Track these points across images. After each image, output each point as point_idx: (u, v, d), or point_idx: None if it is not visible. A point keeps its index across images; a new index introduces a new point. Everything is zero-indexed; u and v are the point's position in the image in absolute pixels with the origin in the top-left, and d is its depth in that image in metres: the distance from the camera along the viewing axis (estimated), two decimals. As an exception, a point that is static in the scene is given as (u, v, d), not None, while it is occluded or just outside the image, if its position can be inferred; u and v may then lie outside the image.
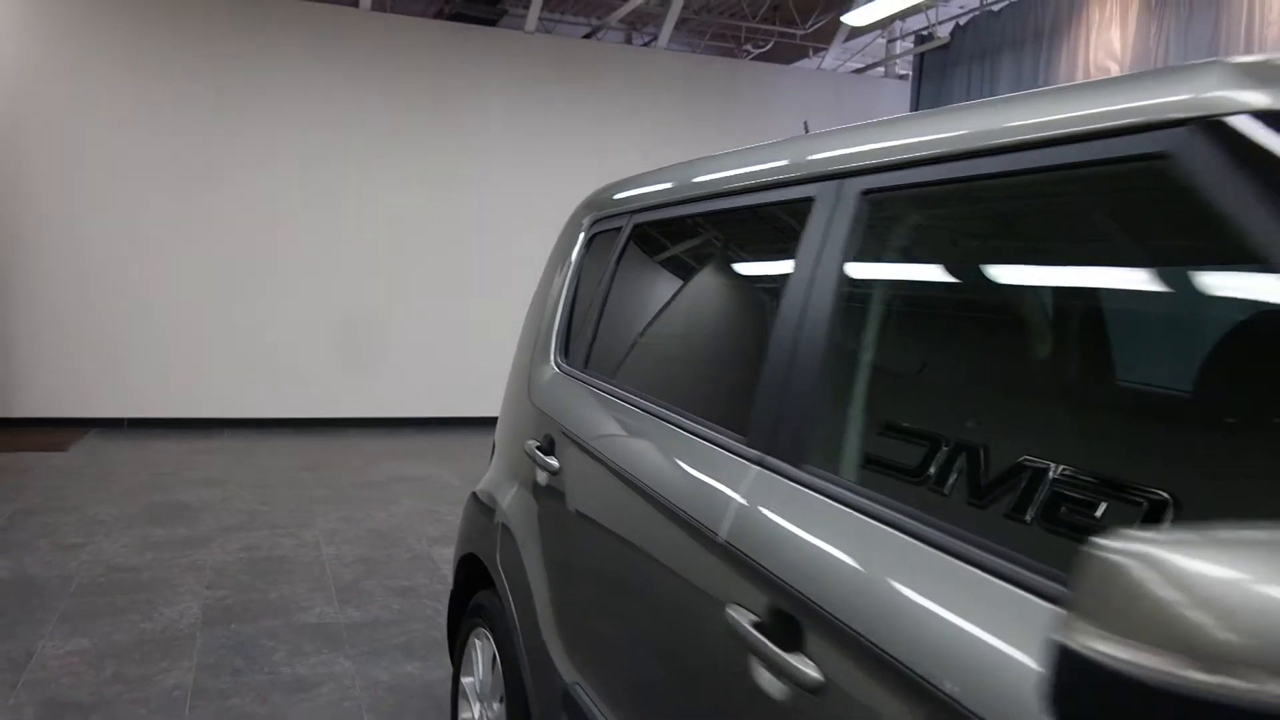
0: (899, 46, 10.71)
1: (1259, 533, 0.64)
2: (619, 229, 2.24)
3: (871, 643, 1.06)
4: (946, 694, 0.95)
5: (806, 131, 1.84)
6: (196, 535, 4.99)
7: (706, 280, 1.93)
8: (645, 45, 10.35)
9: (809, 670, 1.14)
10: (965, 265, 1.32)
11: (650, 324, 2.07)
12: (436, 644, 3.69)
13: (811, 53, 10.84)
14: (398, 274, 8.46)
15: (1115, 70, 7.82)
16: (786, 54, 10.88)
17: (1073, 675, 0.65)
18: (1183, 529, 0.65)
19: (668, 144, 8.54)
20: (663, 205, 2.05)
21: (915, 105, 10.07)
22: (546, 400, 2.28)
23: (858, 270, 1.38)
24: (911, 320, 1.40)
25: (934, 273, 1.40)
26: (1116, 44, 7.76)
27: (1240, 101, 0.93)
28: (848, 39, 10.22)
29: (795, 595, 1.20)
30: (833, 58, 10.38)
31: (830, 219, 1.43)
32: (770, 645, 1.21)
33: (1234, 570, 0.60)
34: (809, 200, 1.50)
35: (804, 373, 1.37)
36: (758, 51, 10.87)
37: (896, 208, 1.38)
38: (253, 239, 8.08)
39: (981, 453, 1.10)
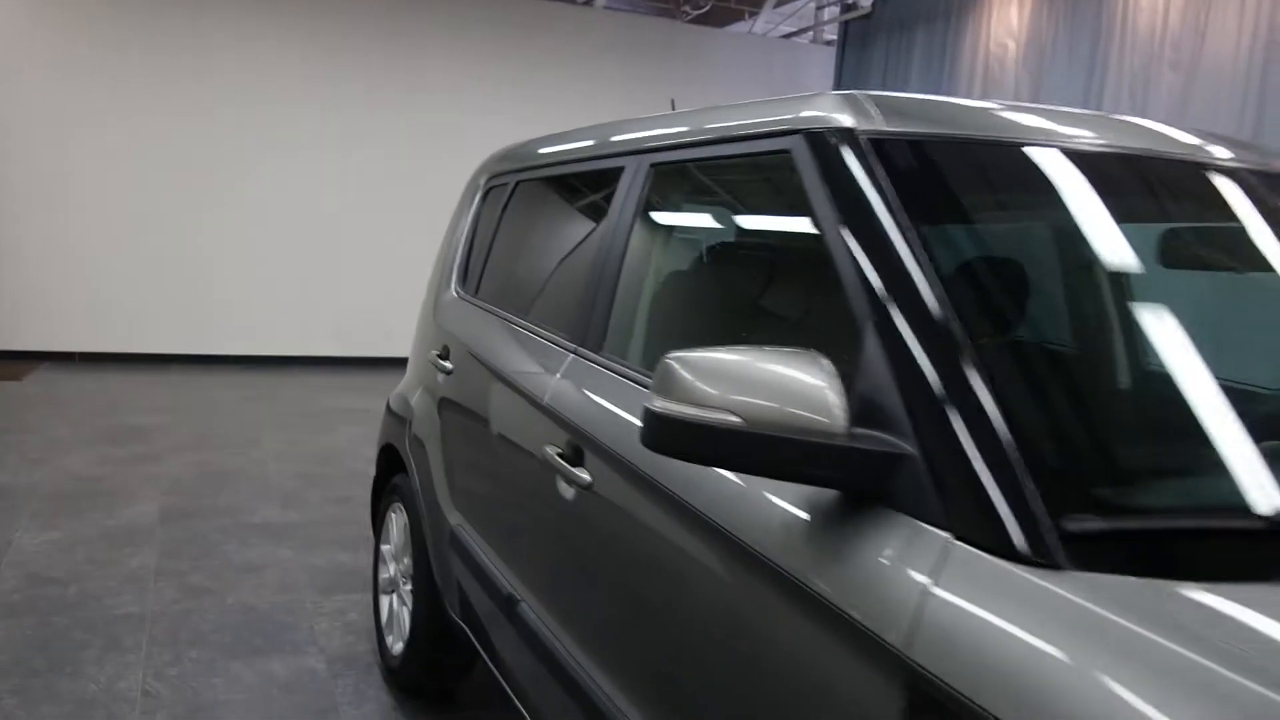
0: (826, 14, 11.26)
1: (733, 351, 1.25)
2: (506, 185, 2.83)
3: (617, 454, 1.68)
4: (646, 473, 1.58)
5: (673, 109, 2.40)
6: (150, 453, 5.51)
7: (557, 226, 2.52)
8: (585, 4, 10.78)
9: (584, 475, 1.77)
10: (702, 215, 1.93)
11: (519, 259, 2.66)
12: (367, 541, 4.26)
13: (747, 16, 11.35)
14: (338, 219, 8.89)
15: (1012, 46, 8.49)
16: (723, 17, 11.37)
17: (652, 423, 1.25)
18: (700, 349, 1.26)
19: (602, 104, 9.03)
20: (534, 168, 2.64)
21: (838, 71, 10.67)
22: (446, 319, 2.87)
23: (645, 220, 1.98)
24: (676, 255, 2.01)
25: (689, 220, 2.01)
26: (1014, 21, 8.42)
27: (830, 120, 1.53)
28: (778, 4, 10.75)
29: (581, 431, 1.82)
30: (764, 22, 10.90)
31: (632, 183, 2.03)
32: (565, 464, 1.83)
33: (712, 361, 1.22)
34: (621, 169, 2.10)
35: (605, 291, 1.97)
36: (696, 13, 11.35)
37: (670, 177, 1.99)
38: (203, 180, 8.46)
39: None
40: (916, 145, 1.48)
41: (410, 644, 2.83)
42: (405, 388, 3.08)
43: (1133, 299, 1.52)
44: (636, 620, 1.65)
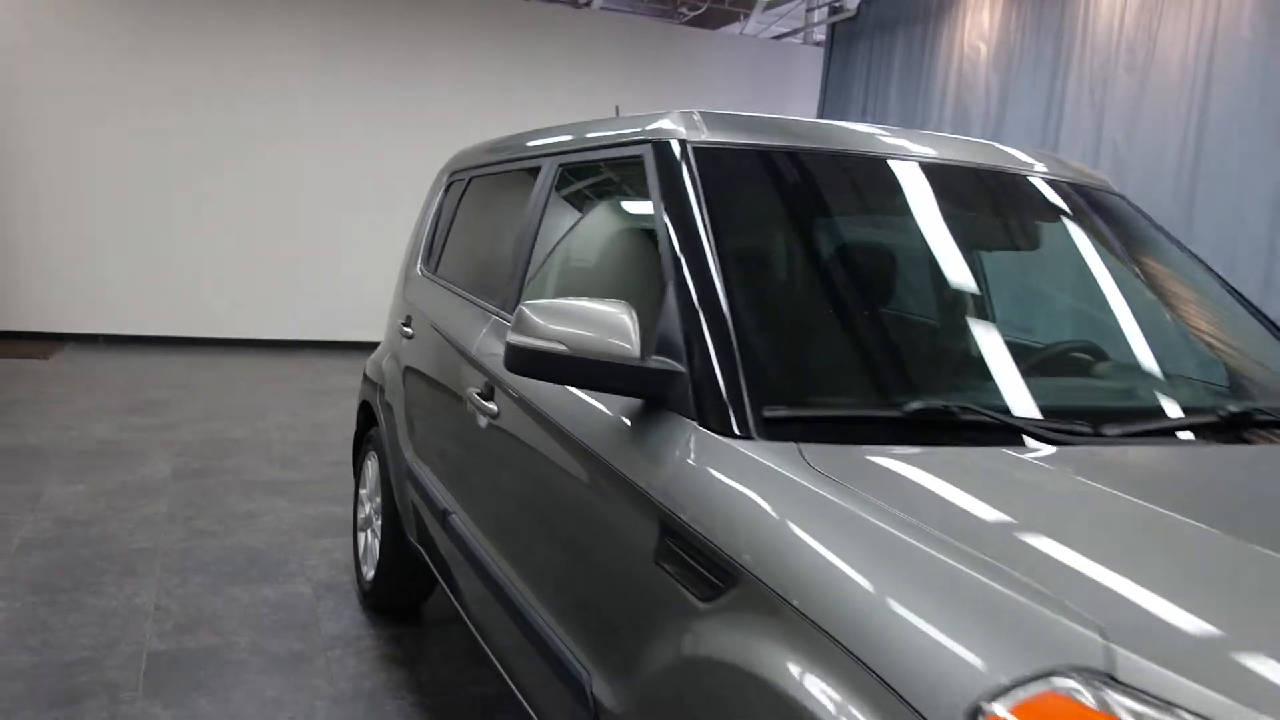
0: (816, 15, 11.69)
1: (580, 303, 1.73)
2: (462, 180, 3.33)
3: (513, 389, 2.17)
4: (530, 400, 2.07)
5: (617, 114, 2.87)
6: (166, 422, 6.06)
7: (495, 214, 3.01)
8: (583, 5, 11.26)
9: (493, 408, 2.27)
10: (589, 205, 2.42)
11: (467, 242, 3.15)
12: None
13: (741, 17, 11.80)
14: (347, 212, 9.42)
15: (984, 49, 8.92)
16: (719, 18, 11.83)
17: (510, 352, 1.74)
18: (544, 299, 1.75)
19: (597, 104, 9.52)
20: (482, 166, 3.14)
21: (826, 72, 11.11)
22: (411, 294, 3.38)
23: (551, 209, 2.48)
24: (567, 237, 2.50)
25: (580, 208, 2.49)
26: (986, 25, 8.85)
27: (670, 132, 2.02)
28: (769, 5, 11.19)
29: (492, 374, 2.32)
30: (756, 23, 11.35)
31: (545, 179, 2.53)
32: (481, 401, 2.33)
33: (550, 306, 1.71)
34: (539, 168, 2.59)
35: (520, 265, 2.47)
36: (692, 14, 11.82)
37: (569, 174, 2.48)
38: (220, 171, 9.01)
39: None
40: (723, 151, 1.97)
41: (379, 569, 3.35)
42: (378, 354, 3.60)
43: (836, 268, 2.01)
44: (523, 509, 2.15)
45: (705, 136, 1.99)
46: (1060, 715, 0.95)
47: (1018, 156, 2.32)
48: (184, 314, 9.08)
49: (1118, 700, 0.94)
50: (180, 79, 8.82)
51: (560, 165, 2.49)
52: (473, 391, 2.41)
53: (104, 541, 3.97)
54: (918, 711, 1.03)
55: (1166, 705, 0.92)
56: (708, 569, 1.42)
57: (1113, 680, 0.96)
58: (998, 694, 0.99)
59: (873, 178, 2.06)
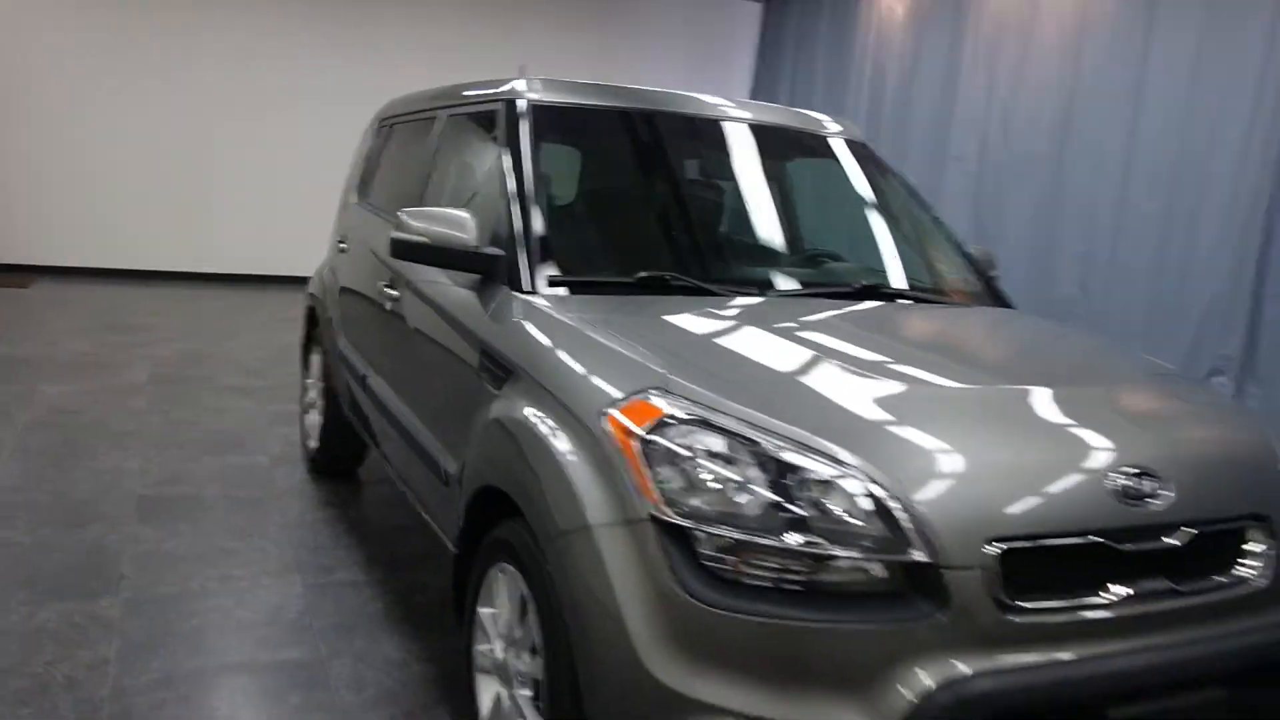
0: (754, -26, 12.37)
1: (440, 210, 2.57)
2: (389, 125, 4.13)
3: (407, 278, 3.01)
4: (416, 285, 2.91)
5: (521, 75, 3.63)
6: (142, 341, 6.84)
7: (407, 153, 3.80)
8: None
9: (394, 293, 3.11)
10: (468, 147, 3.24)
11: (387, 175, 3.96)
12: (309, 397, 5.62)
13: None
14: (317, 154, 10.10)
15: (899, 10, 9.68)
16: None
17: (392, 242, 2.57)
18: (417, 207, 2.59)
19: (542, 60, 10.24)
20: (401, 115, 3.95)
21: (763, 29, 11.85)
22: (346, 218, 4.20)
23: (439, 148, 3.29)
24: (449, 169, 3.31)
25: (460, 149, 3.30)
26: (899, -14, 9.60)
27: (519, 92, 2.85)
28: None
29: (394, 270, 3.16)
30: (697, -19, 12.02)
31: (437, 127, 3.34)
32: (388, 290, 3.17)
33: (418, 211, 2.54)
34: (434, 118, 3.41)
35: (417, 190, 3.29)
36: (637, -29, 12.46)
37: (453, 123, 3.28)
38: (199, 110, 9.67)
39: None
40: (552, 107, 2.81)
41: (321, 439, 4.20)
42: (320, 268, 4.42)
43: (609, 190, 2.87)
44: (410, 360, 3.00)
45: (540, 96, 2.83)
46: (641, 409, 1.82)
47: (780, 113, 3.17)
48: (157, 248, 9.79)
49: (667, 397, 1.81)
50: (164, 20, 9.43)
51: (449, 115, 3.31)
52: (382, 284, 3.25)
53: (94, 425, 4.79)
54: (578, 417, 1.91)
55: (689, 399, 1.80)
56: (500, 369, 2.29)
57: (666, 391, 1.83)
58: (613, 403, 1.86)
59: (652, 128, 2.92)
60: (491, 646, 2.21)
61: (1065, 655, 1.69)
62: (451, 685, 2.62)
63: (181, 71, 9.63)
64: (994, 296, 3.02)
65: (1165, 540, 1.80)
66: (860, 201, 3.14)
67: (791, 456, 1.70)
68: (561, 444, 1.94)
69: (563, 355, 2.10)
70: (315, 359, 4.40)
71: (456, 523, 2.40)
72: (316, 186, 10.14)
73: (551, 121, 2.80)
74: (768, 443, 1.72)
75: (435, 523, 2.77)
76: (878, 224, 3.09)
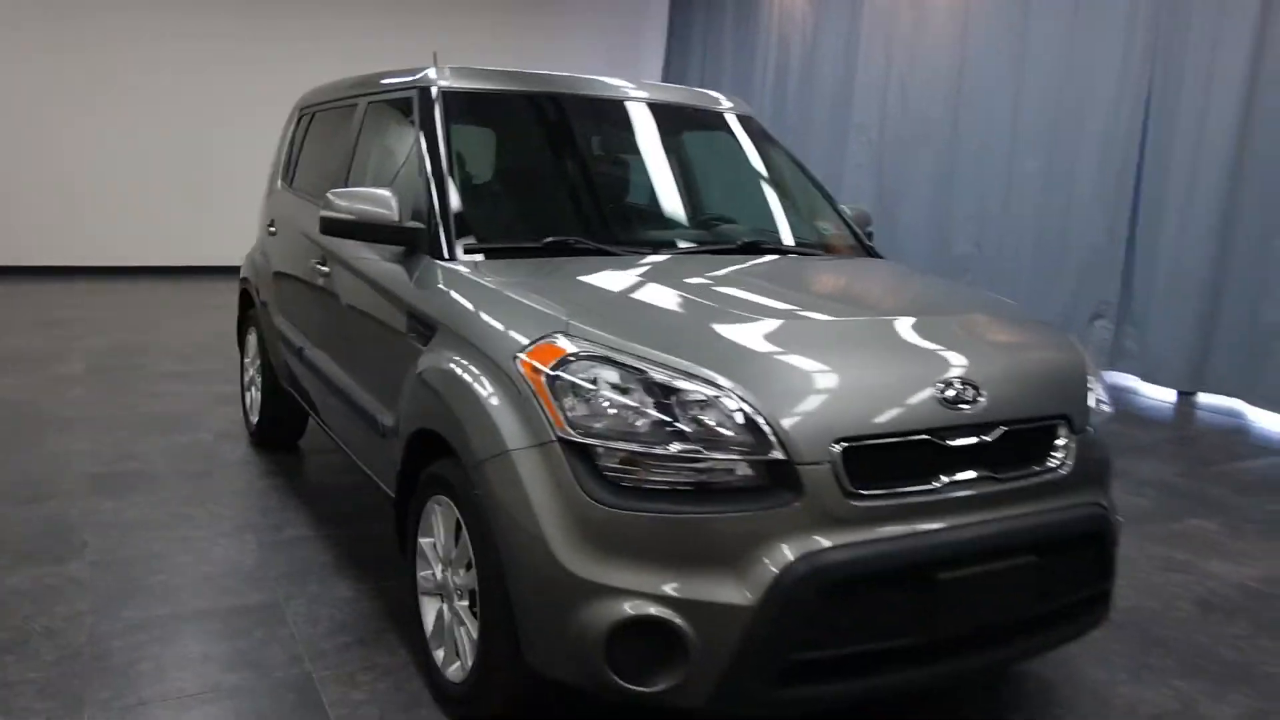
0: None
1: (364, 189, 2.86)
2: (309, 113, 4.36)
3: (337, 254, 3.29)
4: (346, 259, 3.20)
5: (435, 62, 3.86)
6: (74, 334, 6.95)
7: (329, 139, 4.06)
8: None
9: (325, 269, 3.39)
10: (387, 131, 3.52)
11: (311, 161, 4.21)
12: (246, 379, 5.83)
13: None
14: (235, 145, 10.16)
15: (797, -14, 10.06)
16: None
17: (321, 220, 2.85)
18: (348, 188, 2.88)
19: (462, 46, 10.43)
20: (320, 103, 4.19)
21: (672, 6, 12.16)
22: (273, 203, 4.44)
23: (360, 133, 3.56)
24: (370, 153, 3.57)
25: (380, 134, 3.57)
26: (798, -35, 9.99)
27: (432, 79, 3.14)
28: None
29: (324, 248, 3.43)
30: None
31: (359, 113, 3.61)
32: (319, 267, 3.45)
33: (343, 191, 2.83)
34: (355, 104, 3.67)
35: (342, 172, 3.56)
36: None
37: (373, 109, 3.55)
38: (112, 110, 9.64)
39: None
40: (461, 93, 3.11)
41: (261, 413, 4.46)
42: (251, 251, 4.65)
43: (515, 166, 3.19)
44: (344, 329, 3.29)
45: (450, 83, 3.13)
46: (547, 350, 2.16)
47: (674, 92, 3.52)
48: (86, 245, 9.80)
49: (568, 339, 2.15)
50: (51, 14, 9.38)
51: (369, 102, 3.58)
52: (313, 262, 3.53)
53: (38, 414, 4.96)
54: (495, 361, 2.24)
55: (588, 340, 2.14)
56: (426, 328, 2.61)
57: (568, 334, 2.18)
58: (523, 348, 2.20)
59: (556, 109, 3.25)
60: (432, 570, 2.54)
61: (900, 531, 2.08)
62: (398, 614, 2.94)
63: (101, 68, 9.61)
64: (865, 249, 3.42)
65: (983, 437, 2.21)
66: (748, 169, 3.51)
67: (674, 382, 2.06)
68: (482, 385, 2.27)
69: (480, 311, 2.43)
70: (251, 339, 4.63)
71: (394, 468, 2.71)
72: (239, 176, 10.20)
73: (462, 105, 3.10)
74: (654, 372, 2.07)
75: (375, 474, 3.07)
76: (763, 188, 3.46)
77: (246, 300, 4.69)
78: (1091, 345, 7.26)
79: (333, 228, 2.85)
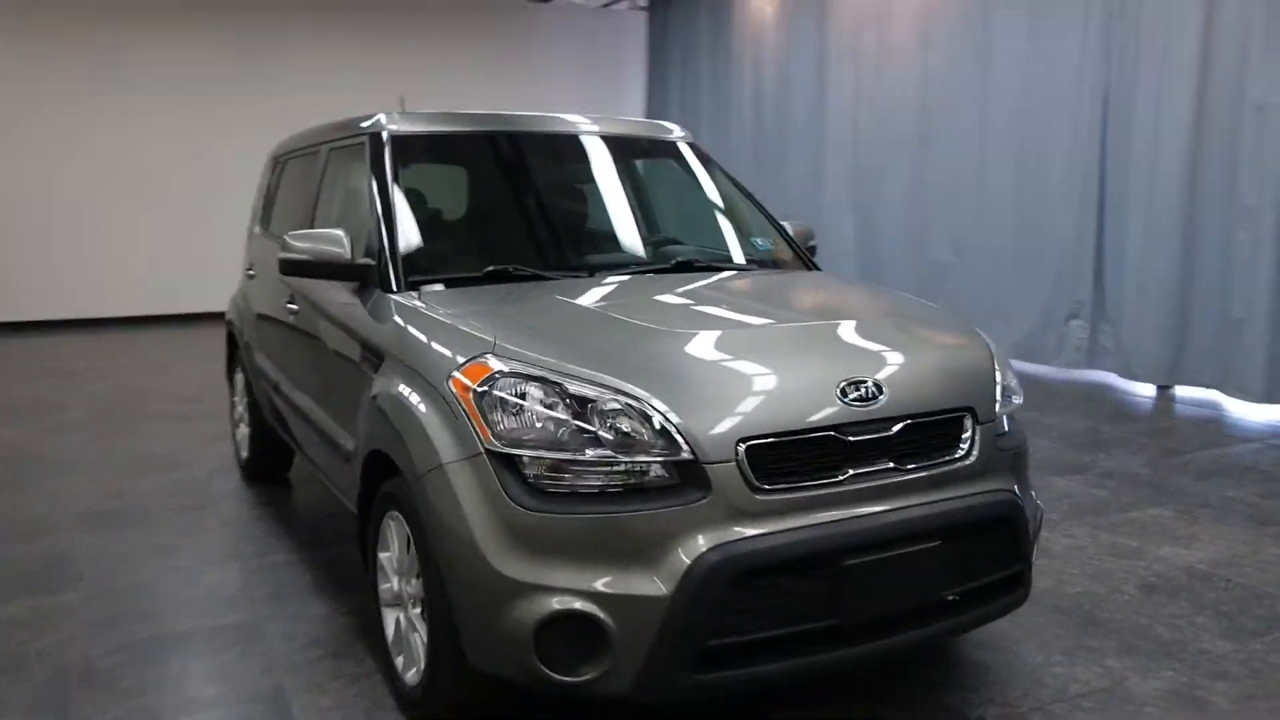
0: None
1: (318, 230, 3.07)
2: (282, 161, 4.59)
3: (303, 293, 3.50)
4: (311, 299, 3.40)
5: (402, 105, 4.09)
6: (79, 383, 7.20)
7: (296, 185, 4.27)
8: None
9: (294, 307, 3.59)
10: (342, 176, 3.73)
11: (283, 205, 4.43)
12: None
13: (575, -11, 13.00)
14: (226, 188, 10.46)
15: (769, 10, 10.30)
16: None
17: (280, 262, 3.06)
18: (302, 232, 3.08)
19: (449, 81, 10.74)
20: (291, 151, 4.42)
21: (649, 34, 12.42)
22: (252, 248, 4.67)
23: (322, 178, 3.78)
24: (328, 197, 3.77)
25: (337, 179, 3.76)
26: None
27: (382, 125, 3.35)
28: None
29: (293, 288, 3.64)
30: (587, -5, 12.56)
31: (321, 159, 3.82)
32: (289, 306, 3.65)
33: (299, 234, 3.03)
34: (319, 150, 3.89)
35: (307, 214, 3.76)
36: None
37: (332, 155, 3.76)
38: (111, 166, 9.98)
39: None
40: (409, 136, 3.32)
41: (250, 448, 4.66)
42: (234, 295, 4.87)
43: (459, 204, 3.39)
44: (312, 362, 3.48)
45: (399, 128, 3.34)
46: (476, 369, 2.34)
47: (616, 124, 3.72)
48: (91, 297, 10.11)
49: (496, 358, 2.33)
50: (60, 81, 9.73)
51: (330, 149, 3.80)
52: (283, 301, 3.73)
53: (38, 457, 5.19)
54: (430, 383, 2.43)
55: (514, 359, 2.33)
56: (375, 355, 2.80)
57: (495, 354, 2.36)
58: (455, 368, 2.38)
59: (498, 147, 3.46)
60: (391, 583, 2.71)
61: (806, 521, 2.23)
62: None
63: (99, 124, 9.95)
64: (805, 262, 3.59)
65: (885, 432, 2.37)
66: (690, 193, 3.70)
67: (590, 393, 2.23)
68: (420, 405, 2.46)
69: (419, 336, 2.62)
70: (239, 378, 4.84)
71: (356, 488, 2.89)
72: (230, 223, 10.52)
73: (410, 148, 3.31)
74: (571, 385, 2.25)
75: (342, 495, 3.25)
76: (703, 210, 3.65)
77: (232, 341, 4.90)
78: (1070, 344, 7.40)
79: (290, 268, 3.05)
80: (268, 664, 2.91)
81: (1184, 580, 3.54)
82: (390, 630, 2.73)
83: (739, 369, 2.39)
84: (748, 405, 2.29)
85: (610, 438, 2.19)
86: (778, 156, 10.22)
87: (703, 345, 2.49)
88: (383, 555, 2.75)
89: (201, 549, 3.86)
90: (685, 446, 2.18)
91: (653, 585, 2.13)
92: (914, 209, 8.66)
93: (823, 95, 9.52)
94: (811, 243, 3.79)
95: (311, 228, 3.74)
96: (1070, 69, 7.14)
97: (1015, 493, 2.57)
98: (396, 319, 2.79)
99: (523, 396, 2.26)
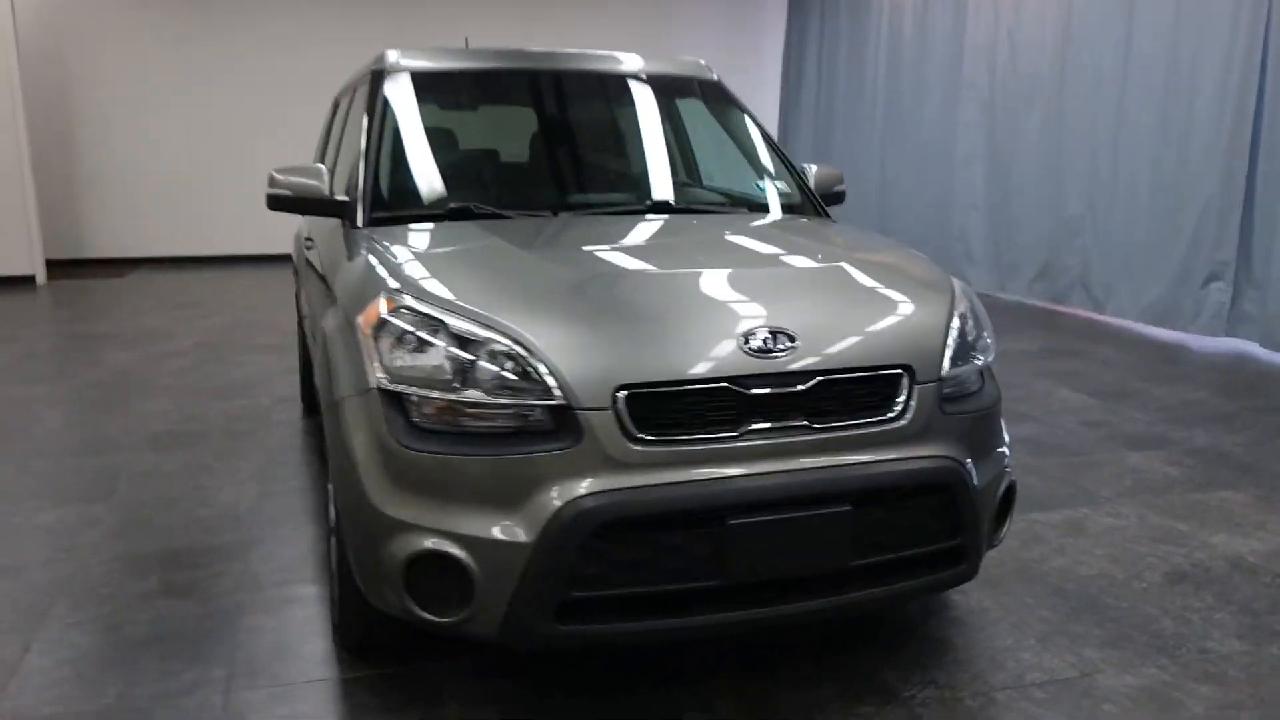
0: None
1: (309, 165, 3.13)
2: (338, 101, 4.72)
3: (315, 232, 3.59)
4: (322, 250, 3.49)
5: (466, 45, 4.11)
6: (199, 314, 7.75)
7: (337, 126, 4.37)
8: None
9: (311, 244, 3.70)
10: (357, 113, 3.77)
11: (331, 147, 4.55)
12: (329, 351, 6.35)
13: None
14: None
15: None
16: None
17: (266, 197, 3.14)
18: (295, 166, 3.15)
19: (590, 36, 10.77)
20: (343, 91, 4.53)
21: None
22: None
23: (350, 118, 3.84)
24: (348, 133, 3.83)
25: (359, 115, 3.83)
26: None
27: (389, 63, 3.37)
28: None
29: (310, 225, 3.74)
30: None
31: (354, 97, 3.89)
32: (307, 240, 3.76)
33: (285, 169, 3.10)
34: (356, 89, 3.96)
35: (333, 154, 3.85)
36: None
37: (358, 95, 3.83)
38: (245, 109, 10.61)
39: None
40: (407, 72, 3.32)
41: (301, 378, 4.88)
42: (297, 232, 5.08)
43: (443, 140, 3.33)
44: (315, 302, 3.58)
45: (401, 63, 3.35)
46: (376, 306, 2.33)
47: (624, 61, 3.59)
48: (230, 235, 10.83)
49: (397, 297, 2.32)
50: (223, 36, 10.37)
51: (357, 89, 3.86)
52: (304, 238, 3.85)
53: (139, 381, 5.62)
54: (349, 319, 2.44)
55: (414, 297, 2.30)
56: (329, 288, 2.84)
57: (399, 292, 2.34)
58: (364, 303, 2.38)
59: (494, 83, 3.41)
60: (331, 513, 2.78)
61: (686, 476, 2.12)
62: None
63: (233, 72, 10.57)
64: (815, 208, 3.38)
65: (795, 386, 2.20)
66: (697, 133, 3.54)
67: (475, 333, 2.18)
68: (339, 340, 2.48)
69: (350, 272, 2.64)
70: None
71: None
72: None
73: (409, 85, 3.31)
74: (455, 324, 2.20)
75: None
76: (709, 152, 3.49)
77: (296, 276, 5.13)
78: (1208, 309, 6.71)
79: (273, 202, 3.12)
80: (237, 583, 3.06)
81: (1223, 571, 3.17)
82: (334, 559, 2.81)
83: (633, 314, 2.27)
84: (632, 351, 2.17)
85: (488, 380, 2.14)
86: (913, 99, 9.71)
87: (602, 289, 2.38)
88: (330, 486, 2.81)
89: (232, 472, 4.09)
90: (558, 392, 2.10)
91: (516, 531, 2.09)
92: (1048, 156, 8.03)
93: (960, 35, 8.96)
94: (839, 188, 3.57)
95: (334, 165, 3.83)
96: (1225, 8, 6.38)
97: (957, 459, 2.34)
98: (345, 255, 2.82)
99: (411, 335, 2.23)
